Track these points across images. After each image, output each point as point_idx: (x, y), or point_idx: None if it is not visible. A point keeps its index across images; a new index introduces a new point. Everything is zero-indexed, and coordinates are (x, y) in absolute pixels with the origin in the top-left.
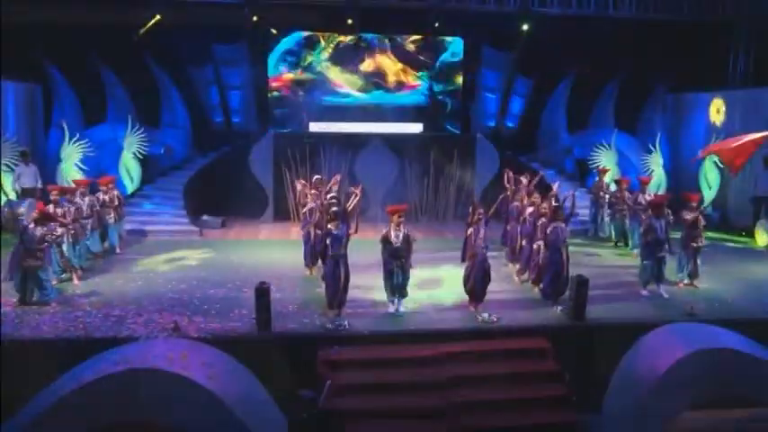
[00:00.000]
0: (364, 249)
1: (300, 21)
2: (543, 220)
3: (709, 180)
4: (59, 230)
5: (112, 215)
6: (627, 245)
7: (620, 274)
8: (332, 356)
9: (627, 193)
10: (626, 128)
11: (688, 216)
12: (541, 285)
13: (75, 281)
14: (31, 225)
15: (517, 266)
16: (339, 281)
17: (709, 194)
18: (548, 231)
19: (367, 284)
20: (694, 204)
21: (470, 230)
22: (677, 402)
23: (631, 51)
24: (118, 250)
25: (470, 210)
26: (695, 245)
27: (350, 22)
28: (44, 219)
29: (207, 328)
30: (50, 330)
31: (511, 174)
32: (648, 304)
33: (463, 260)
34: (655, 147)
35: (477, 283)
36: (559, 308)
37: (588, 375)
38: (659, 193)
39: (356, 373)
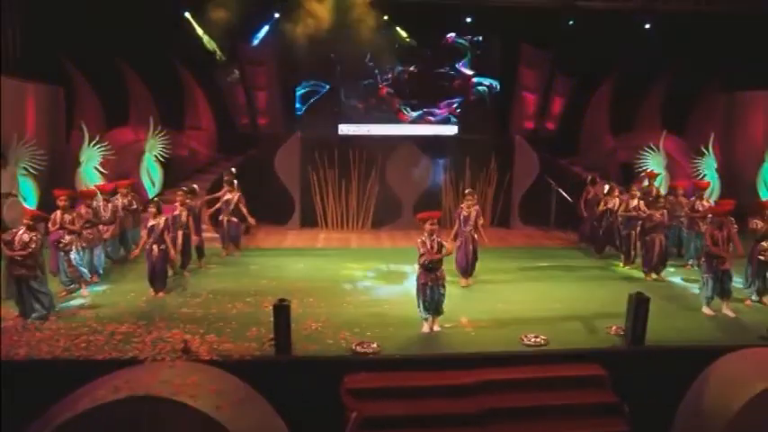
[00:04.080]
0: (396, 260)
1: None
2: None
3: None
4: (67, 238)
5: (130, 220)
6: (680, 256)
7: (675, 289)
8: (358, 383)
9: (683, 199)
10: (674, 129)
11: (760, 225)
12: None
13: (83, 292)
14: (20, 230)
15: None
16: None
17: None
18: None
19: (398, 300)
20: None
21: (463, 216)
22: None
23: (681, 47)
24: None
25: (467, 197)
26: (763, 258)
27: (385, 17)
28: (33, 223)
29: (220, 349)
30: (49, 350)
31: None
32: (714, 325)
33: (455, 239)
34: (707, 149)
35: (468, 258)
36: (614, 328)
37: (650, 408)
38: (718, 200)
39: (385, 403)
